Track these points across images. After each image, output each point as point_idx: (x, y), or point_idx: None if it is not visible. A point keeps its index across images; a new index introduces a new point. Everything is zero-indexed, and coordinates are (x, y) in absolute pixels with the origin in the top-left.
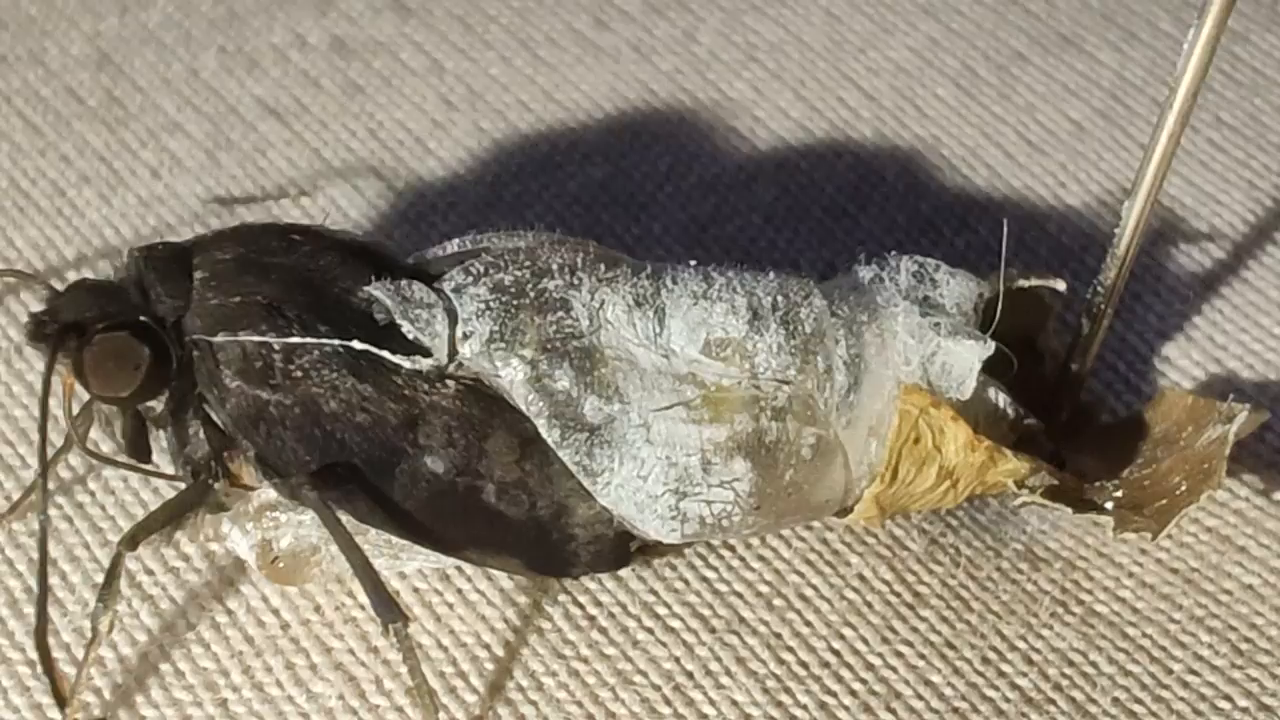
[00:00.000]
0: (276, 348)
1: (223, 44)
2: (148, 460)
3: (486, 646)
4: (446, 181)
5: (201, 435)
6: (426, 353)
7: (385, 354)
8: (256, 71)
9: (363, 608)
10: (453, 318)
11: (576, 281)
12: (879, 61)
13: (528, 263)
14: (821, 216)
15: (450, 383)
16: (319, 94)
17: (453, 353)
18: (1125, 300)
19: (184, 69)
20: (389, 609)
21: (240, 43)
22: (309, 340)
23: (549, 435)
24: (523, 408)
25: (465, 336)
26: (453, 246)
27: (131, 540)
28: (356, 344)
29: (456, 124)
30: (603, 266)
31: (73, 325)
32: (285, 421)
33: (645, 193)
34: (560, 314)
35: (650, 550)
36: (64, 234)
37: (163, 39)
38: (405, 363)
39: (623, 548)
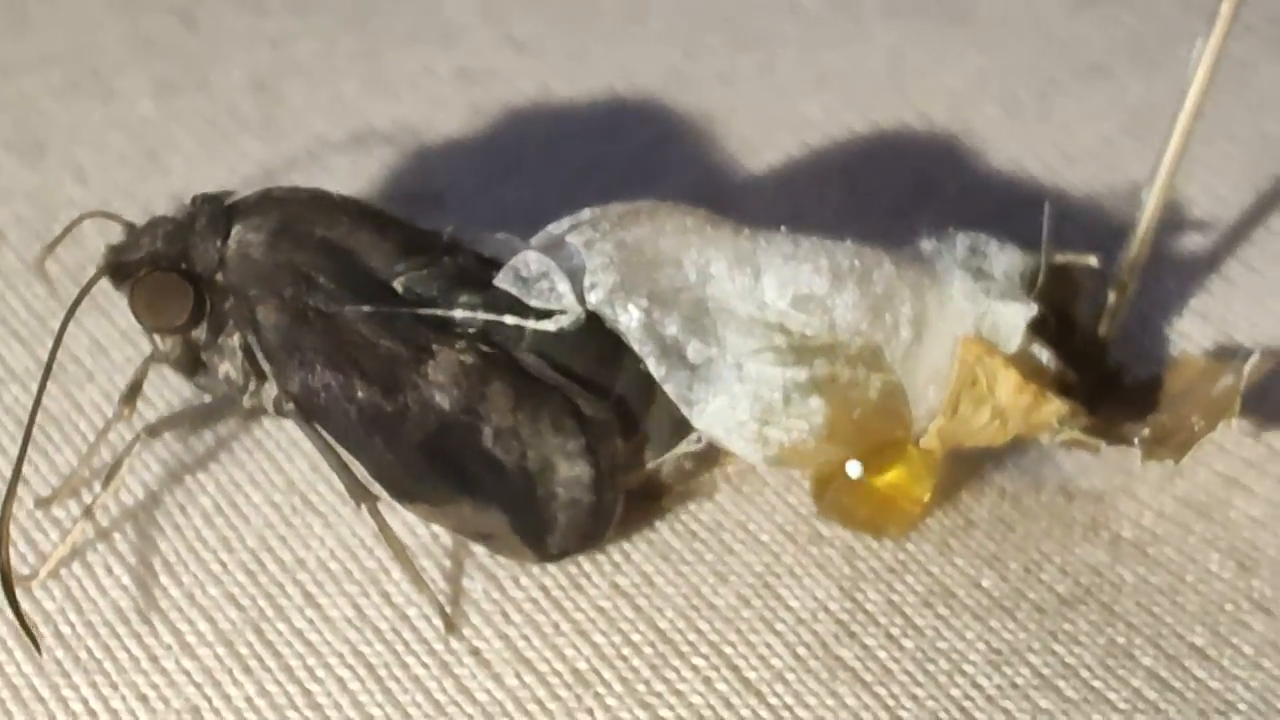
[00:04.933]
0: (310, 299)
1: (362, 73)
2: (193, 376)
3: (605, 552)
4: (564, 186)
5: (239, 354)
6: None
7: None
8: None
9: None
10: (572, 273)
11: (688, 242)
12: (935, 87)
13: (647, 222)
14: (883, 217)
15: (457, 337)
16: (449, 117)
17: (581, 301)
18: (1144, 281)
19: (330, 94)
20: (360, 491)
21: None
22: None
23: (657, 371)
24: (635, 348)
25: (592, 286)
26: (586, 214)
27: (152, 430)
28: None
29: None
30: (709, 228)
31: (130, 263)
32: (316, 348)
33: (728, 196)
34: (672, 270)
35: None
36: None
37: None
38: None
39: (598, 521)
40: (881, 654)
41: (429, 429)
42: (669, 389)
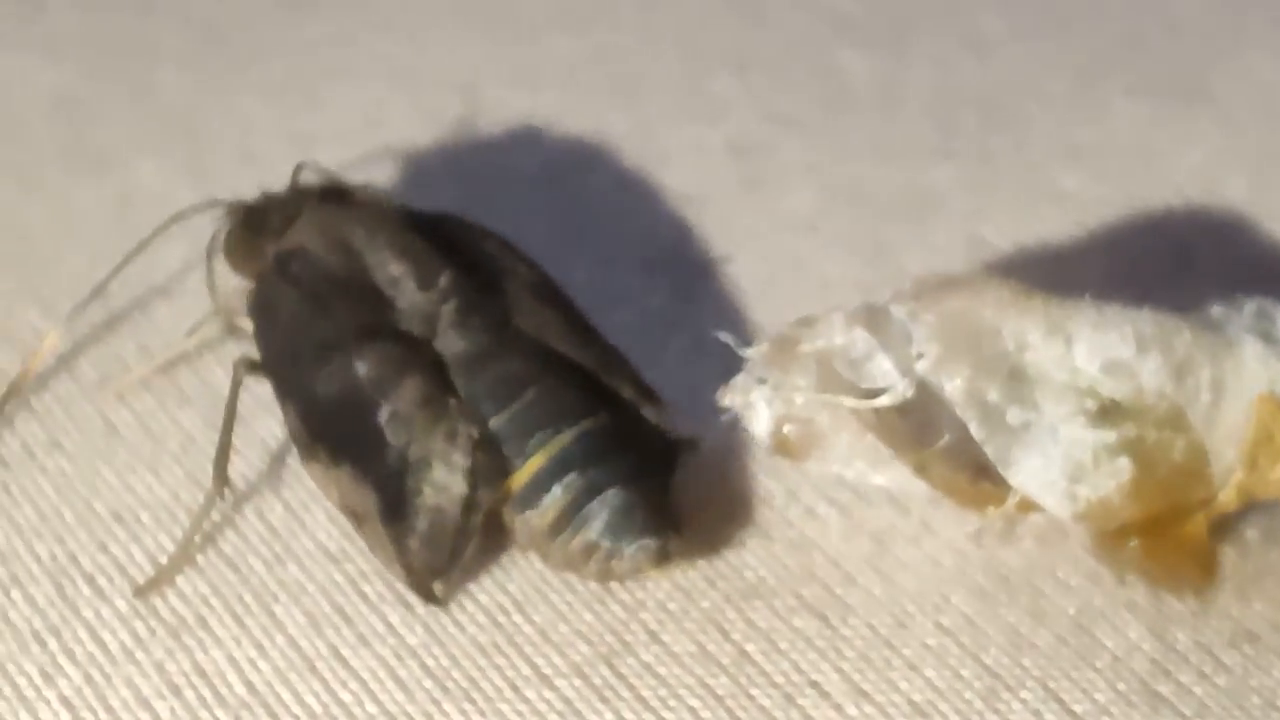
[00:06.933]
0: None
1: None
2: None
3: (924, 595)
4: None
5: None
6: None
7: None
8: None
9: None
10: (894, 344)
11: (1005, 312)
12: (1181, 162)
13: (967, 292)
14: (1148, 285)
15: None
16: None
17: (907, 371)
18: None
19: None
20: (220, 477)
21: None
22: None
23: (978, 434)
24: (959, 413)
25: (919, 355)
26: (906, 286)
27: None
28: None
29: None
30: (1023, 299)
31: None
32: (285, 305)
33: (996, 265)
34: (992, 339)
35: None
36: None
37: None
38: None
39: (459, 540)
40: (1197, 690)
41: (338, 385)
42: (989, 450)
